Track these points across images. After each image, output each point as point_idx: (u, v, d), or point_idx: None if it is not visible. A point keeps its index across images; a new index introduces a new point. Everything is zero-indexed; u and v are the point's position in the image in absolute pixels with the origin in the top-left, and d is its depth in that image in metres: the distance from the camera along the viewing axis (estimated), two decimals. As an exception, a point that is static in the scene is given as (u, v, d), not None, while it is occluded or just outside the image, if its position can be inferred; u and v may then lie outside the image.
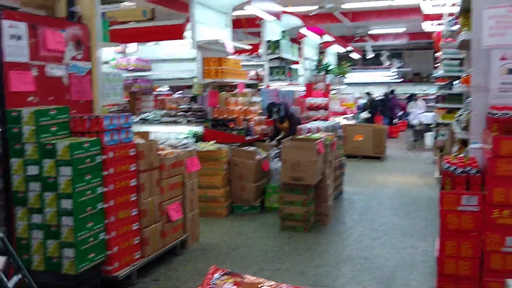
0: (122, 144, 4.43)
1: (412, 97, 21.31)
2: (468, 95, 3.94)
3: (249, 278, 2.03)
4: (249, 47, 8.45)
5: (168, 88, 11.59)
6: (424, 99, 19.50)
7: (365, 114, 14.84)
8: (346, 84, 16.55)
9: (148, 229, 4.78)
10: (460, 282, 2.95)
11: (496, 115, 2.92)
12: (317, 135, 6.86)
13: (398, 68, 23.89)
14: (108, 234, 4.28)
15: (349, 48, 16.06)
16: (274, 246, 5.75)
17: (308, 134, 7.05)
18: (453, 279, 2.96)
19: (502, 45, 3.11)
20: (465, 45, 3.81)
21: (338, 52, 16.25)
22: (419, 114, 16.74)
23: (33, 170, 3.97)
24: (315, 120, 10.50)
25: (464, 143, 3.81)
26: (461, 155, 3.62)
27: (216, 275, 2.04)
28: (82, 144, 3.98)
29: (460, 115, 3.79)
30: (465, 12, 3.87)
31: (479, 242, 2.90)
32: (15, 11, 4.19)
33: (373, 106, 15.70)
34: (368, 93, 16.62)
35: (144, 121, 7.69)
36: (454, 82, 4.32)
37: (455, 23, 8.44)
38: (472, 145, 3.28)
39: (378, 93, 25.02)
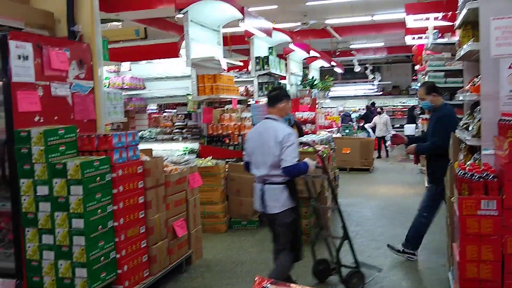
0: (130, 162, 4.43)
1: (413, 109, 19.32)
2: (472, 104, 4.07)
3: (295, 287, 2.06)
4: (241, 63, 8.52)
5: (156, 107, 11.58)
6: (376, 113, 17.62)
7: None
8: (329, 98, 16.76)
9: (155, 246, 4.76)
10: (482, 286, 3.03)
11: (510, 122, 3.03)
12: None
13: (379, 81, 24.31)
14: (118, 253, 4.25)
15: (333, 63, 16.29)
16: (278, 260, 5.75)
17: (305, 148, 7.11)
18: (475, 283, 3.03)
19: (509, 54, 3.24)
20: (467, 56, 3.95)
21: (321, 67, 16.48)
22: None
23: (43, 190, 3.93)
24: (304, 134, 10.61)
25: (471, 150, 3.92)
26: (469, 162, 3.72)
27: (264, 284, 2.06)
28: (92, 162, 3.96)
29: (465, 124, 3.91)
30: (465, 24, 4.02)
31: (500, 245, 2.98)
32: (21, 31, 4.17)
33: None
34: None
35: (140, 139, 7.67)
36: (458, 92, 4.46)
37: (440, 37, 8.70)
38: (484, 151, 3.39)
39: (359, 106, 25.43)
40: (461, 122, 4.14)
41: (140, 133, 7.82)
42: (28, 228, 3.99)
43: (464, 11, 3.64)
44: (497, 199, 2.97)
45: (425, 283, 4.92)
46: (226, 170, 7.16)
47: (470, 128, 3.63)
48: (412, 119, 19.00)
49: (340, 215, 4.82)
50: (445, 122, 5.14)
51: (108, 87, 7.82)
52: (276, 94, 4.26)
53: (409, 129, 17.76)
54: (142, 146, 7.05)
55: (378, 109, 17.00)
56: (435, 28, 8.71)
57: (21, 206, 3.98)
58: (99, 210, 4.04)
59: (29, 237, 3.99)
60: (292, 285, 2.09)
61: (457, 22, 4.13)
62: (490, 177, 3.05)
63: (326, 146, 7.38)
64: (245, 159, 4.53)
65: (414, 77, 22.14)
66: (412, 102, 24.99)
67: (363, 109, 22.22)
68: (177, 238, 5.16)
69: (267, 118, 4.25)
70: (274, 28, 9.30)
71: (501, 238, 2.97)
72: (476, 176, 3.06)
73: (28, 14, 4.72)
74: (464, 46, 3.75)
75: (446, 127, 4.98)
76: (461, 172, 3.17)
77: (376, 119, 16.49)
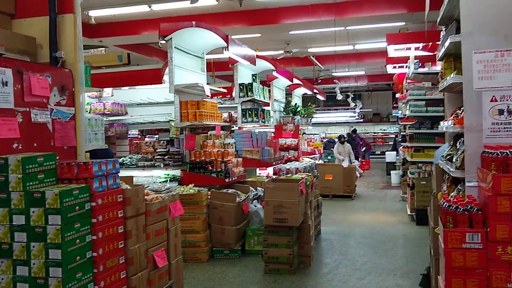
0: (110, 190, 4.31)
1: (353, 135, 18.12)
2: (454, 135, 4.10)
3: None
4: (224, 90, 8.53)
5: (138, 132, 11.48)
6: (358, 140, 17.50)
7: None
8: (311, 124, 16.87)
9: (135, 277, 4.62)
10: (468, 320, 2.99)
11: (493, 154, 3.04)
12: (297, 176, 6.90)
13: (360, 108, 24.63)
14: (97, 284, 4.11)
15: (315, 91, 16.44)
16: (260, 291, 5.66)
17: (287, 175, 7.09)
18: (461, 317, 2.99)
19: (491, 88, 3.28)
20: (449, 88, 3.99)
21: (303, 94, 16.61)
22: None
23: (19, 219, 3.79)
24: (287, 161, 10.61)
25: (455, 181, 3.93)
26: (453, 193, 3.72)
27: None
28: (71, 191, 3.85)
29: (448, 155, 3.93)
30: (447, 56, 4.07)
31: (485, 279, 2.96)
32: (1, 57, 4.10)
33: None
34: None
35: (121, 165, 7.56)
36: (441, 122, 4.51)
37: (420, 66, 8.85)
38: (468, 183, 3.39)
39: (340, 132, 25.64)
40: (444, 153, 4.16)
41: (120, 160, 7.71)
42: (2, 259, 3.84)
43: (446, 44, 3.69)
44: (482, 232, 2.97)
45: (409, 315, 4.87)
46: (209, 197, 7.07)
47: (454, 160, 3.64)
48: (395, 147, 19.16)
49: None
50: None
51: (89, 112, 7.73)
52: None
53: (390, 156, 17.92)
54: (123, 173, 6.97)
55: (342, 139, 15.77)
56: (415, 58, 8.86)
57: (-4, 236, 3.84)
58: (78, 240, 3.91)
59: (3, 269, 3.83)
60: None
61: (440, 54, 4.19)
62: (475, 210, 3.04)
63: (309, 174, 7.36)
64: None
65: (395, 105, 22.48)
66: (393, 129, 25.37)
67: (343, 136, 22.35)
68: (157, 269, 5.02)
69: None
70: (257, 56, 9.37)
71: (486, 271, 2.95)
72: (460, 208, 3.06)
73: (9, 39, 4.65)
74: (447, 78, 3.79)
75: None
76: (445, 204, 3.16)
77: (339, 147, 15.47)
